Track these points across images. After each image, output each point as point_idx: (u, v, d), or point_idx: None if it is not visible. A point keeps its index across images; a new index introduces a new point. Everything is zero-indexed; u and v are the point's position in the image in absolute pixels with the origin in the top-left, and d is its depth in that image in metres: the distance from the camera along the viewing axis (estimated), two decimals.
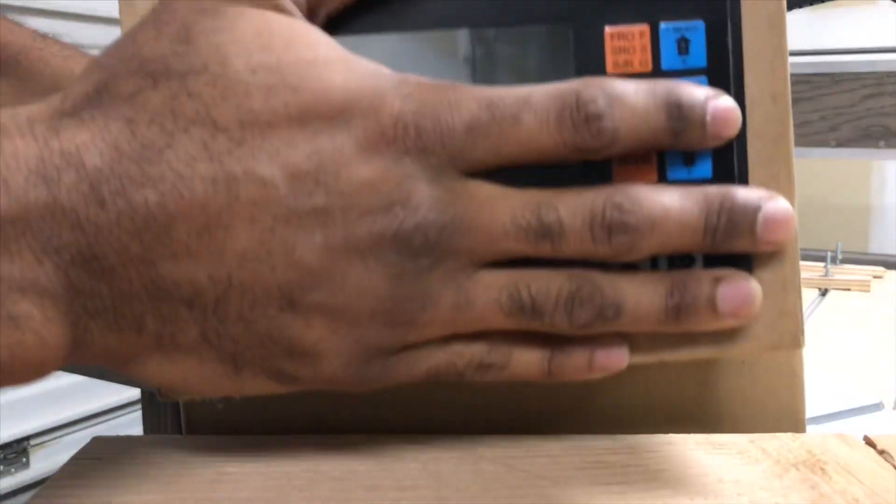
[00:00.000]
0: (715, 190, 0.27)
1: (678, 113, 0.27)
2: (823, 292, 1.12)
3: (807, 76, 1.38)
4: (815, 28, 1.63)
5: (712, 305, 0.28)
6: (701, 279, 0.28)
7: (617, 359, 0.29)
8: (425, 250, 0.26)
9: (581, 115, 0.26)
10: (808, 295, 1.08)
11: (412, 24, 0.28)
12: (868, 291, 1.12)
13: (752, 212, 0.27)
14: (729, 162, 0.29)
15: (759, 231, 0.27)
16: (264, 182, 0.25)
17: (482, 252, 0.27)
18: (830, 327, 0.91)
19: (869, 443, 0.34)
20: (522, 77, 0.28)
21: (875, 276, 1.18)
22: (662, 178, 0.28)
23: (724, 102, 0.27)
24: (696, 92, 0.27)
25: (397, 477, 0.30)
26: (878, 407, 0.69)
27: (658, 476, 0.31)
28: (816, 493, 0.30)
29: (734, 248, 0.28)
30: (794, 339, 0.30)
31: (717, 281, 0.28)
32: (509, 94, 0.27)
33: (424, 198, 0.26)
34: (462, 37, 0.28)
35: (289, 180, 0.25)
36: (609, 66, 0.28)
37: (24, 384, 0.26)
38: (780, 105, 0.29)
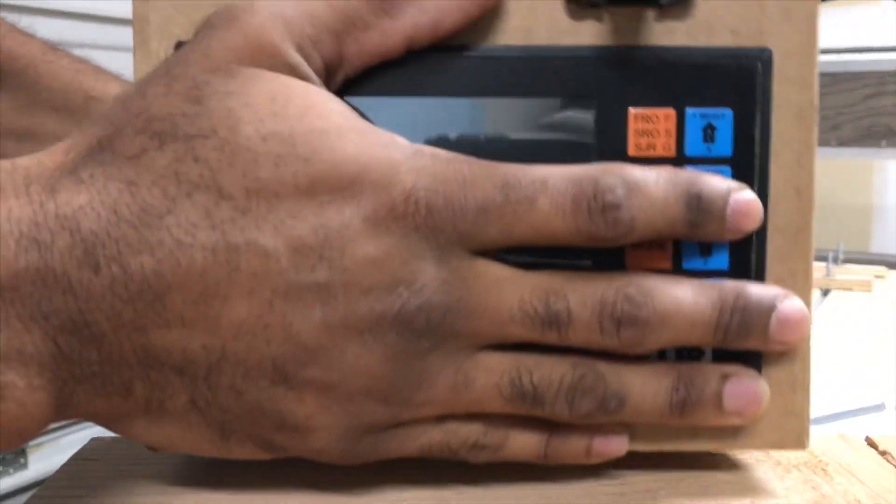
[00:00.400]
0: (730, 287, 0.27)
1: (698, 205, 0.26)
2: (825, 292, 1.12)
3: None
4: None
5: (718, 403, 0.27)
6: (708, 375, 0.27)
7: (616, 446, 0.28)
8: (427, 332, 0.25)
9: (598, 203, 0.25)
10: None
11: (433, 90, 0.28)
12: (870, 291, 1.11)
13: (766, 312, 0.27)
14: (747, 255, 0.28)
15: (772, 332, 0.27)
16: (266, 254, 0.24)
17: (486, 335, 0.26)
18: (832, 327, 0.91)
19: (870, 444, 0.34)
20: (540, 151, 0.28)
21: (877, 276, 1.18)
22: (677, 266, 0.28)
23: (745, 196, 0.27)
24: (718, 184, 0.26)
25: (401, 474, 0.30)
26: (879, 408, 0.69)
27: (658, 477, 0.30)
28: (818, 494, 0.30)
29: (745, 347, 0.27)
30: (799, 440, 0.30)
31: (724, 378, 0.27)
32: (526, 175, 0.26)
33: (430, 278, 0.25)
34: (482, 106, 0.28)
35: (292, 253, 0.24)
36: (631, 149, 0.28)
37: (3, 450, 0.25)
38: (803, 199, 0.28)
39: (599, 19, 0.28)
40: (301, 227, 0.24)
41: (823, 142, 1.41)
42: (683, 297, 0.26)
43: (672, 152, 0.28)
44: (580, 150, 0.28)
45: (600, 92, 0.28)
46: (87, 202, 0.24)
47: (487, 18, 0.28)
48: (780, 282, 0.28)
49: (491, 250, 0.26)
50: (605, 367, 0.27)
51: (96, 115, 0.26)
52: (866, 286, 1.12)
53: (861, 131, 1.39)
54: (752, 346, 0.27)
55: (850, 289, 1.12)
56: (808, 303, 0.28)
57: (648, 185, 0.26)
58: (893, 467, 0.32)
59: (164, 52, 0.28)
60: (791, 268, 0.29)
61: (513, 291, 0.26)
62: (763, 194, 0.28)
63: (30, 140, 0.51)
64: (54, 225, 0.24)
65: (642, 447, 0.29)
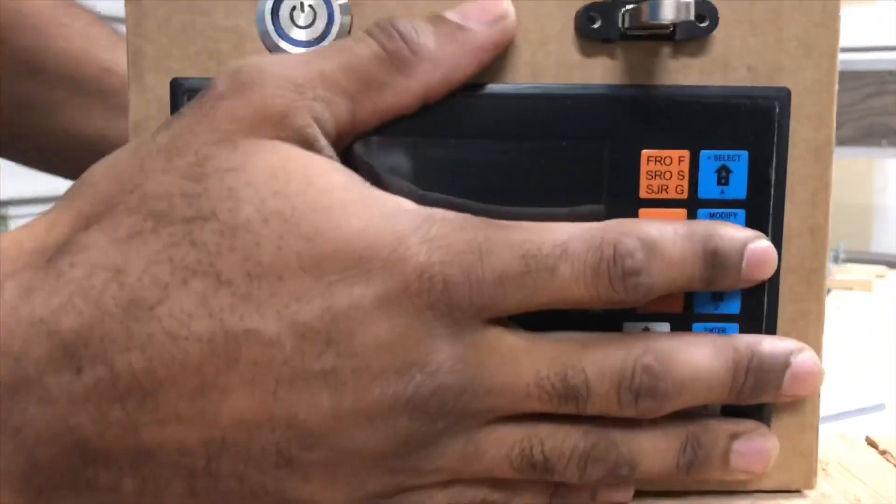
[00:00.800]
0: (744, 345, 0.26)
1: (714, 261, 0.26)
2: (825, 292, 1.11)
3: None
4: None
5: (725, 461, 0.27)
6: (717, 434, 0.27)
7: (622, 496, 0.28)
8: (442, 415, 0.24)
9: (618, 269, 0.24)
10: None
11: (447, 132, 0.27)
12: (870, 291, 1.11)
13: (780, 369, 0.26)
14: (759, 300, 0.28)
15: (786, 387, 0.27)
16: (269, 342, 0.23)
17: (501, 410, 0.25)
18: (832, 327, 0.91)
19: (871, 443, 0.34)
20: (551, 193, 0.27)
21: (877, 276, 1.17)
22: (688, 310, 0.27)
23: (761, 246, 0.26)
24: (735, 237, 0.26)
25: None
26: (880, 408, 0.69)
27: None
28: (818, 493, 0.29)
29: (757, 402, 0.27)
30: (807, 480, 0.29)
31: (733, 437, 0.27)
32: (545, 240, 0.24)
33: (444, 358, 0.24)
34: (492, 147, 0.27)
35: (297, 340, 0.23)
36: (643, 191, 0.27)
37: None
38: (817, 239, 0.28)
39: (612, 56, 0.27)
40: (307, 311, 0.23)
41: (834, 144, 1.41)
42: (700, 361, 0.26)
43: (685, 194, 0.27)
44: (591, 191, 0.27)
45: (612, 133, 0.27)
46: (68, 299, 0.22)
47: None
48: (791, 322, 0.28)
49: (511, 314, 0.25)
50: (617, 434, 0.26)
51: (82, 183, 0.24)
52: (867, 286, 1.12)
53: (862, 130, 1.39)
54: (764, 400, 0.27)
55: (850, 288, 1.12)
56: (819, 344, 0.28)
57: (667, 246, 0.25)
58: (894, 467, 0.32)
59: (160, 87, 0.27)
60: (803, 308, 0.28)
61: (529, 365, 0.25)
62: (777, 237, 0.27)
63: (31, 109, 0.49)
64: (29, 331, 0.22)
65: (649, 488, 0.29)
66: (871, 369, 0.78)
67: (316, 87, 0.25)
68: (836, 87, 0.28)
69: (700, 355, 0.26)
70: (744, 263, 0.26)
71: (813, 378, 0.27)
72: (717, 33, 0.27)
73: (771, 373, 0.26)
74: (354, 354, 0.23)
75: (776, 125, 0.27)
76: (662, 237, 0.25)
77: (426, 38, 0.26)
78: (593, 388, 0.25)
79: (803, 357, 0.27)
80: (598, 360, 0.25)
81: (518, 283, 0.24)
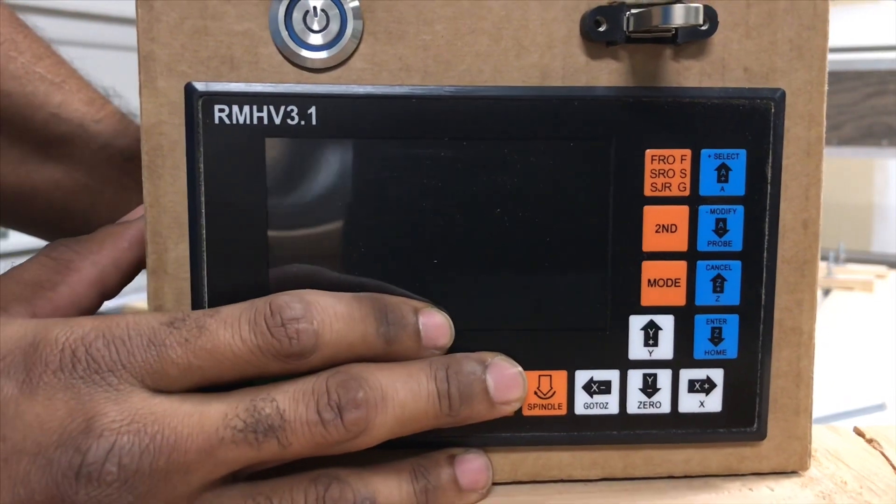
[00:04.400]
0: (439, 358, 0.27)
1: (386, 317, 0.26)
2: (826, 292, 1.11)
3: None
4: None
5: (455, 484, 0.28)
6: (438, 458, 0.28)
7: None
8: (125, 484, 0.23)
9: (277, 319, 0.25)
10: None
11: (450, 133, 0.27)
12: (871, 291, 1.11)
13: (479, 371, 0.27)
14: (757, 291, 0.29)
15: (493, 390, 0.27)
16: None
17: (201, 469, 0.24)
18: (833, 327, 0.91)
19: (858, 433, 0.35)
20: (558, 192, 0.28)
21: (878, 276, 1.18)
22: (691, 302, 0.29)
23: (434, 314, 0.27)
24: (402, 300, 0.27)
25: None
26: (881, 407, 0.69)
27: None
28: (806, 477, 0.30)
29: (473, 414, 0.27)
30: (802, 462, 0.30)
31: (451, 458, 0.28)
32: (194, 311, 0.25)
33: (109, 421, 0.23)
34: (500, 149, 0.28)
35: None
36: (647, 189, 0.28)
37: None
38: (810, 231, 0.29)
39: (616, 58, 0.28)
40: None
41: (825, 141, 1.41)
42: (395, 369, 0.26)
43: (687, 192, 0.28)
44: (597, 189, 0.28)
45: (619, 133, 0.28)
46: None
47: (503, 57, 0.28)
48: (786, 311, 0.29)
49: (192, 389, 0.25)
50: (346, 473, 0.26)
51: None
52: (867, 286, 1.12)
53: (862, 130, 1.39)
54: (479, 411, 0.27)
55: (851, 288, 1.12)
56: (811, 332, 0.29)
57: (327, 300, 0.25)
58: (880, 454, 0.33)
59: (173, 92, 0.27)
60: (798, 298, 0.29)
61: (215, 410, 0.24)
62: (773, 230, 0.29)
63: None
64: None
65: (647, 473, 0.30)
66: (872, 369, 0.78)
67: None
68: (826, 87, 0.29)
69: (394, 366, 0.26)
70: (420, 325, 0.26)
71: (515, 378, 0.27)
72: (716, 36, 0.28)
73: (472, 375, 0.27)
74: (4, 438, 0.23)
75: (772, 124, 0.28)
76: (322, 296, 0.25)
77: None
78: (289, 415, 0.24)
79: (500, 358, 0.28)
80: (288, 388, 0.25)
81: (166, 343, 0.24)
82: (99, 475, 0.23)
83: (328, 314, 0.25)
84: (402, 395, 0.25)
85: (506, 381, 0.27)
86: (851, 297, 1.08)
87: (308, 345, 0.25)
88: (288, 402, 0.24)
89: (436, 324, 0.27)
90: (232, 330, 0.24)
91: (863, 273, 1.18)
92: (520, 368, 0.28)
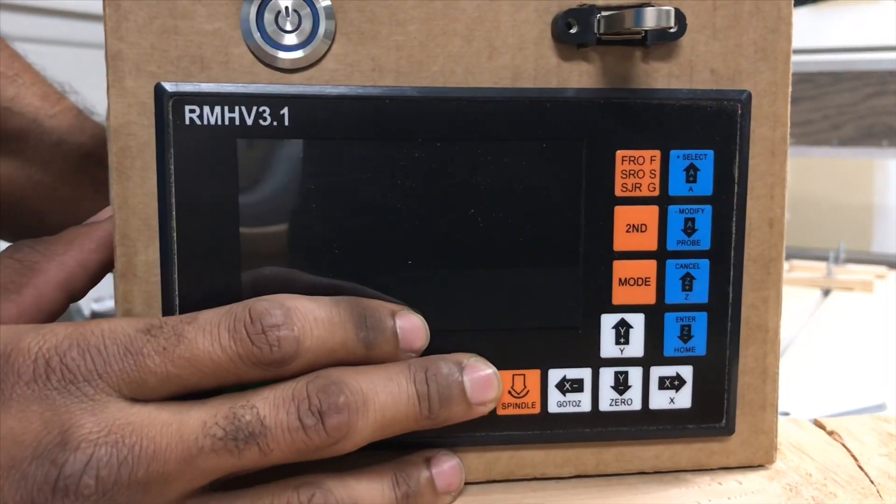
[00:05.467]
0: (418, 360, 0.27)
1: (366, 322, 0.26)
2: (826, 292, 1.11)
3: (809, 75, 1.38)
4: (818, 26, 1.62)
5: (432, 487, 0.28)
6: (416, 461, 0.28)
7: None
8: (104, 496, 0.23)
9: (257, 326, 0.24)
10: (811, 295, 1.08)
11: (430, 135, 0.28)
12: (871, 292, 1.11)
13: (457, 372, 0.27)
14: (725, 289, 0.29)
15: (470, 391, 0.27)
16: None
17: (181, 479, 0.24)
18: (833, 328, 0.91)
19: (819, 425, 0.36)
20: (529, 193, 0.28)
21: (878, 276, 1.18)
22: (660, 301, 0.29)
23: (411, 316, 0.27)
24: (381, 303, 0.27)
25: None
26: (881, 407, 0.69)
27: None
28: (772, 470, 0.31)
29: (452, 414, 0.27)
30: (768, 455, 0.31)
31: (428, 461, 0.28)
32: (171, 318, 0.25)
33: (86, 432, 0.23)
34: (471, 150, 0.28)
35: None
36: (618, 189, 0.29)
37: None
38: (775, 230, 0.30)
39: (587, 59, 0.28)
40: None
41: (824, 141, 1.41)
42: (377, 378, 0.26)
43: (656, 192, 0.29)
44: (569, 189, 0.28)
45: (589, 134, 0.28)
46: None
47: (475, 58, 0.28)
48: (753, 308, 0.30)
49: (167, 398, 0.25)
50: (329, 480, 0.26)
51: None
52: (867, 286, 1.12)
53: (862, 130, 1.39)
54: (457, 412, 0.27)
55: (851, 289, 1.12)
56: (777, 329, 0.30)
57: (307, 306, 0.25)
58: (840, 445, 0.33)
59: (142, 91, 0.27)
60: (763, 295, 0.30)
61: (193, 419, 0.24)
62: (741, 230, 0.29)
63: None
64: None
65: (619, 469, 0.30)
66: (871, 370, 0.78)
67: None
68: (790, 88, 0.29)
69: (373, 370, 0.26)
70: (398, 328, 0.27)
71: (490, 379, 0.28)
72: (684, 38, 0.28)
73: (450, 377, 0.27)
74: None
75: (739, 125, 0.29)
76: (301, 301, 0.25)
77: None
78: (269, 421, 0.24)
79: (475, 359, 0.28)
80: (268, 395, 0.25)
81: (144, 351, 0.24)
82: (76, 488, 0.22)
83: (308, 320, 0.25)
84: (382, 399, 0.25)
85: (481, 382, 0.27)
86: (851, 297, 1.08)
87: (289, 352, 0.25)
88: (268, 408, 0.24)
89: (412, 327, 0.27)
90: (211, 338, 0.24)
91: (863, 273, 1.18)
92: (494, 369, 0.28)
